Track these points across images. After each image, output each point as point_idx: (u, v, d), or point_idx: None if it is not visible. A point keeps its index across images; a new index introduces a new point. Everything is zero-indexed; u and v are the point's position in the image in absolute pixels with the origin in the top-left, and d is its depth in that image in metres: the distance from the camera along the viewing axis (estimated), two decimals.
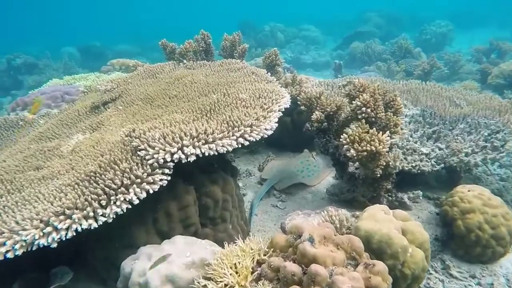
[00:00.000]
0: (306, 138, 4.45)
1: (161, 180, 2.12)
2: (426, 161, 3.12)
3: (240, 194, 2.90)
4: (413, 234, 2.04)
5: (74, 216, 1.87)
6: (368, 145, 2.40)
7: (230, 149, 2.27)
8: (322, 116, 3.00)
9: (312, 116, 3.09)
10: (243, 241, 1.97)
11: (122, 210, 1.98)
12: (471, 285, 2.54)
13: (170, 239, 2.14)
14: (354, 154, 2.45)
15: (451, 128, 3.58)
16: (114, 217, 1.97)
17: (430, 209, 3.16)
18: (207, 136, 2.23)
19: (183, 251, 1.98)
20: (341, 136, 2.65)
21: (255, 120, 2.47)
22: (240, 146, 2.33)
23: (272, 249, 1.82)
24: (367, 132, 2.54)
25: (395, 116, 2.71)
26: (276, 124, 2.63)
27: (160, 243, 2.16)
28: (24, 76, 11.48)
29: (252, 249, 1.82)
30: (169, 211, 2.34)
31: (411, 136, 3.50)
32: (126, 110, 3.34)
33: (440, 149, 3.28)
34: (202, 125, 2.38)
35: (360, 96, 2.64)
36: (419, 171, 2.97)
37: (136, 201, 2.02)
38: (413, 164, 2.96)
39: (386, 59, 10.09)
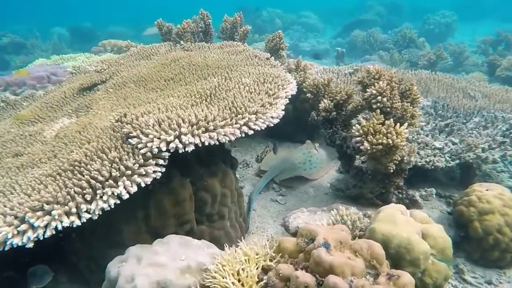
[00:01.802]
0: (308, 128, 4.23)
1: (154, 172, 1.87)
2: (440, 156, 2.91)
3: (240, 189, 2.68)
4: (435, 239, 1.84)
5: (54, 212, 1.62)
6: (384, 137, 2.17)
7: (233, 138, 2.03)
8: (330, 104, 2.76)
9: (319, 105, 2.85)
10: (244, 242, 1.75)
11: (109, 205, 1.73)
12: None
13: (163, 238, 1.91)
14: (368, 148, 2.22)
15: (464, 121, 3.38)
16: (100, 213, 1.72)
17: (442, 208, 2.97)
18: (208, 124, 1.99)
19: (177, 254, 1.76)
20: (353, 127, 2.42)
21: (260, 106, 2.22)
22: (243, 135, 2.08)
23: (280, 254, 1.60)
24: (383, 124, 2.31)
25: (411, 107, 2.49)
26: (283, 112, 2.39)
27: (151, 242, 1.93)
28: (11, 56, 10.98)
29: (257, 254, 1.60)
30: (162, 206, 2.10)
31: (421, 129, 3.29)
32: (117, 93, 3.07)
33: (453, 143, 3.07)
34: (202, 111, 2.13)
35: (376, 84, 2.40)
36: (432, 167, 2.76)
37: (126, 196, 1.78)
38: (427, 160, 2.76)
39: (388, 48, 9.81)
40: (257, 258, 1.59)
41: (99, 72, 3.65)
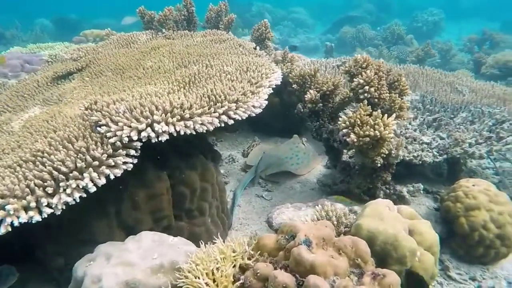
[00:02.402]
0: (296, 122, 4.11)
1: (125, 163, 1.73)
2: (428, 151, 2.84)
3: (222, 183, 2.55)
4: (422, 235, 1.75)
5: (8, 207, 1.47)
6: (372, 129, 2.07)
7: (211, 128, 1.90)
8: (317, 95, 2.65)
9: (305, 96, 2.74)
10: (223, 240, 1.63)
11: (74, 199, 1.59)
12: None
13: (136, 235, 1.78)
14: (355, 140, 2.12)
15: (452, 116, 3.32)
16: (64, 208, 1.58)
17: (429, 203, 2.89)
18: (184, 112, 1.85)
19: (150, 252, 1.63)
20: (339, 119, 2.31)
21: (241, 95, 2.10)
22: (223, 125, 1.96)
23: (258, 252, 1.49)
24: (370, 115, 2.21)
25: (400, 98, 2.39)
26: (266, 102, 2.27)
27: (125, 239, 1.80)
28: None
29: (234, 252, 1.48)
30: (136, 201, 1.96)
31: (410, 124, 3.22)
32: (92, 82, 2.90)
33: (441, 138, 3.00)
34: (179, 98, 1.99)
35: (363, 73, 2.30)
36: (420, 162, 2.68)
37: (93, 188, 1.64)
38: (415, 154, 2.67)
39: (377, 45, 9.77)
40: (234, 257, 1.47)
41: (76, 61, 3.47)
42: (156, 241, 1.71)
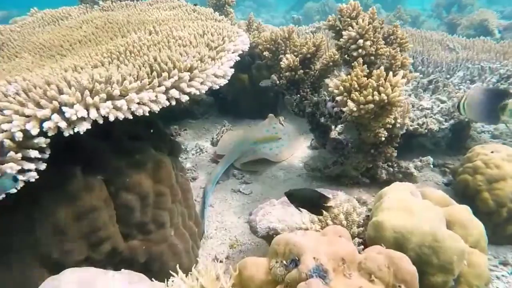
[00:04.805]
0: (269, 100, 3.58)
1: (23, 171, 1.12)
2: (431, 117, 2.38)
3: (186, 182, 1.97)
4: (465, 227, 1.27)
5: None
6: (376, 93, 1.56)
7: (156, 108, 1.32)
8: (295, 60, 2.11)
9: (281, 63, 2.19)
10: (195, 256, 1.07)
11: None
12: (505, 275, 1.88)
13: (56, 276, 1.19)
14: (354, 109, 1.60)
15: (448, 76, 2.89)
16: None
17: (437, 179, 2.46)
18: (111, 88, 1.25)
19: None
20: (329, 84, 1.78)
21: (197, 61, 1.51)
22: (173, 103, 1.38)
23: None
24: (369, 76, 1.69)
25: (400, 54, 1.90)
26: (232, 71, 1.70)
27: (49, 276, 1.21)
28: None
29: None
30: (57, 223, 1.35)
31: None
32: (2, 66, 2.21)
33: (442, 101, 2.56)
34: (107, 71, 1.37)
35: (354, 24, 1.77)
36: (426, 131, 2.23)
37: None
38: (419, 122, 2.21)
39: None
40: None
41: None
42: (84, 282, 1.13)
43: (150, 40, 1.80)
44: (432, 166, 2.24)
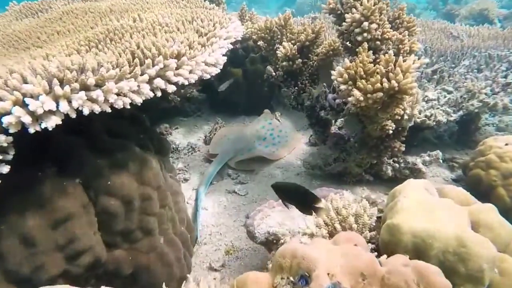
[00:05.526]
0: (264, 95, 3.42)
1: None
2: (438, 108, 2.24)
3: (176, 183, 1.81)
4: (492, 229, 1.12)
5: None
6: (385, 79, 1.40)
7: (139, 99, 1.15)
8: (293, 49, 1.94)
9: (277, 52, 2.02)
10: (188, 266, 0.91)
11: None
12: None
13: None
14: (361, 98, 1.44)
15: (453, 65, 2.75)
16: None
17: (445, 174, 2.32)
18: (85, 76, 1.07)
19: None
20: (332, 72, 1.62)
21: (185, 47, 1.34)
22: (159, 94, 1.20)
23: None
24: (375, 63, 1.53)
25: (408, 38, 1.74)
26: (225, 59, 1.54)
27: None
28: None
29: None
30: (26, 233, 1.18)
31: None
32: None
33: (448, 92, 2.42)
34: (82, 58, 1.20)
35: (358, 4, 1.61)
36: (434, 123, 2.08)
37: None
38: (427, 114, 2.06)
39: None
40: None
41: None
42: None
43: (134, 27, 1.63)
44: (441, 160, 2.09)
